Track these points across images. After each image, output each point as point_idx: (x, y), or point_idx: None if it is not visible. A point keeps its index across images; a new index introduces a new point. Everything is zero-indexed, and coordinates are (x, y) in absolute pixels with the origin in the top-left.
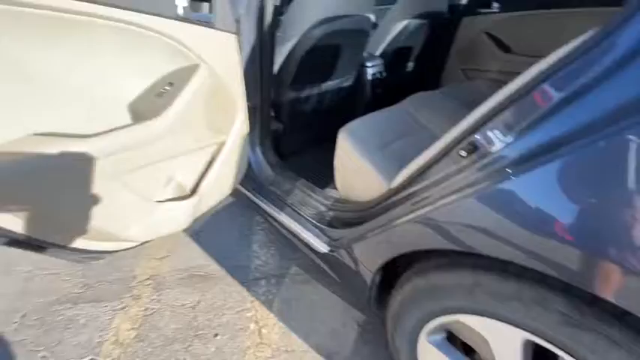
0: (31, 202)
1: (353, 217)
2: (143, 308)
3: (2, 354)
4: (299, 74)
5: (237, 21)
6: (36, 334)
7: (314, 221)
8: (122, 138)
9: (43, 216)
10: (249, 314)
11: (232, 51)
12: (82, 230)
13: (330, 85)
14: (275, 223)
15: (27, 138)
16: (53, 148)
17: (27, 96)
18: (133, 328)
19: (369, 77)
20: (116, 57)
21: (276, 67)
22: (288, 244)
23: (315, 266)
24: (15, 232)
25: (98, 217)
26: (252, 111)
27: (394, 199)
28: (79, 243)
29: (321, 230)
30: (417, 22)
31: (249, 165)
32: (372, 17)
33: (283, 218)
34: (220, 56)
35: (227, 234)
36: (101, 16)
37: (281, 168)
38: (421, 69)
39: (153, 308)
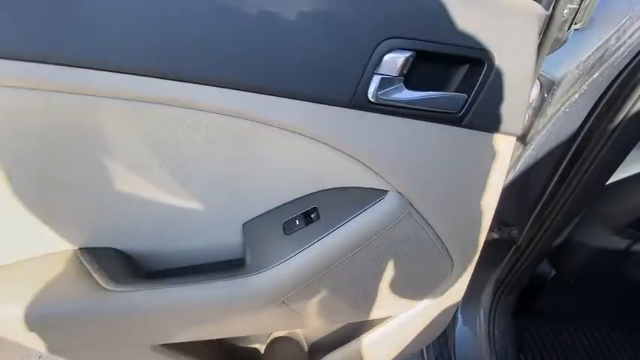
0: None
1: None
2: None
3: None
4: None
5: (553, 88)
6: None
7: None
8: (180, 298)
9: None
10: None
11: (497, 162)
12: None
13: None
14: None
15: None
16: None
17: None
18: None
19: None
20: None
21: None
22: None
23: None
24: None
25: None
26: (497, 248)
27: None
28: None
29: None
30: None
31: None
32: None
33: None
34: (451, 174)
35: None
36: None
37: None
38: None
39: None
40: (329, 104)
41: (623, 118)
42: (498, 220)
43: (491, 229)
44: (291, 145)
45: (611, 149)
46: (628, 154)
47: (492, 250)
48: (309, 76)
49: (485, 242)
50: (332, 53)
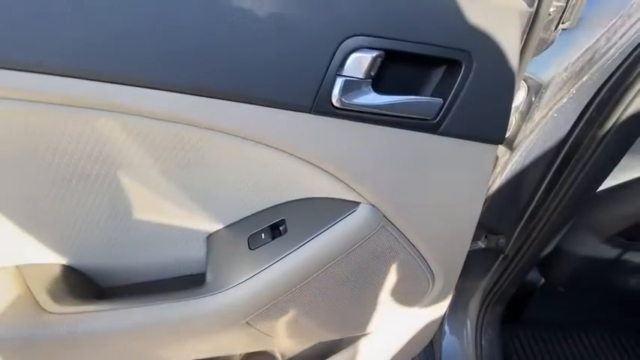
0: None
1: None
2: None
3: None
4: None
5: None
6: None
7: None
8: (145, 316)
9: None
10: None
11: (478, 172)
12: None
13: None
14: None
15: None
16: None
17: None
18: None
19: None
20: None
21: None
22: None
23: None
24: None
25: None
26: (484, 257)
27: None
28: None
29: None
30: None
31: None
32: None
33: None
34: (429, 185)
35: None
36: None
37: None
38: None
39: None
40: (288, 109)
41: (614, 123)
42: (485, 229)
43: (477, 238)
44: (251, 154)
45: (602, 156)
46: (619, 160)
47: (479, 259)
48: (265, 79)
49: (472, 251)
50: (289, 52)
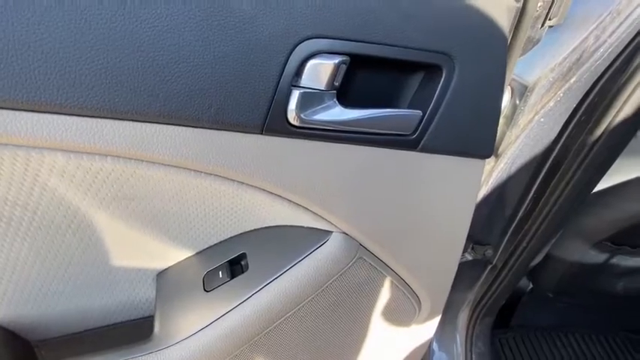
0: None
1: None
2: None
3: None
4: None
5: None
6: None
7: None
8: None
9: None
10: None
11: (464, 190)
12: None
13: None
14: None
15: None
16: None
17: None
18: None
19: None
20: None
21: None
22: None
23: None
24: None
25: None
26: (472, 268)
27: None
28: None
29: None
30: None
31: None
32: None
33: None
34: (408, 207)
35: None
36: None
37: None
38: None
39: None
40: (234, 131)
41: (605, 128)
42: (471, 240)
43: (464, 250)
44: (196, 184)
45: (592, 163)
46: (610, 167)
47: (467, 270)
48: (203, 94)
49: (459, 263)
50: (231, 60)
